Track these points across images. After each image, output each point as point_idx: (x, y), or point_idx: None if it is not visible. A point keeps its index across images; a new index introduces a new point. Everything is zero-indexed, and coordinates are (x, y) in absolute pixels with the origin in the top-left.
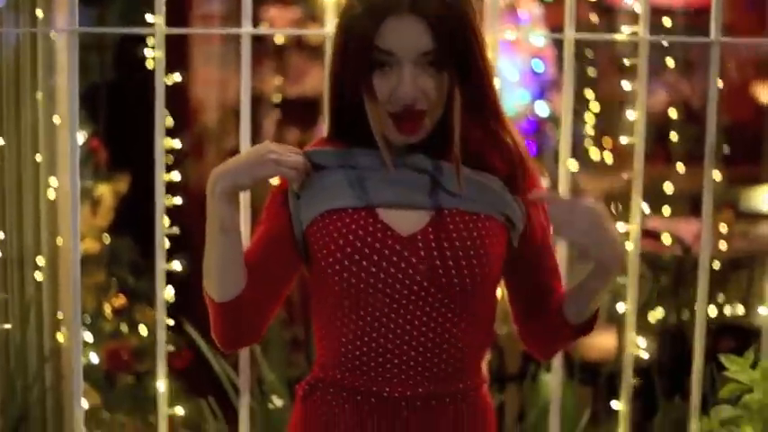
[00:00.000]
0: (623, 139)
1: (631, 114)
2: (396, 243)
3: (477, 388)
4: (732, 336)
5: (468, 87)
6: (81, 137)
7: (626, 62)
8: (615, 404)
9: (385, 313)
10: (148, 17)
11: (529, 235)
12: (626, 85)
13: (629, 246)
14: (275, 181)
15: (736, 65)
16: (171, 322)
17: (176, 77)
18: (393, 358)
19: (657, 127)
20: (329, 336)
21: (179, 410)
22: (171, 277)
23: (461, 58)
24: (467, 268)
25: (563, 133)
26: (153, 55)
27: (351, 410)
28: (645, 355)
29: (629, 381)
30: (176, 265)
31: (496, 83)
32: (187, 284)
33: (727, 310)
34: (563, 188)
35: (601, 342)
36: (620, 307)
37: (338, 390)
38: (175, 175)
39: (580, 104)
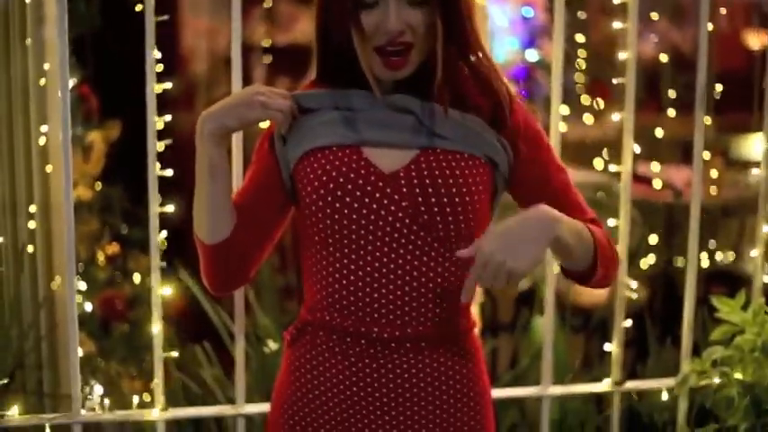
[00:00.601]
0: (614, 81)
1: (622, 55)
2: (378, 180)
3: (467, 331)
4: (723, 282)
5: (450, 22)
6: (70, 83)
7: (616, 1)
8: (608, 346)
9: (370, 251)
10: None
11: (522, 173)
12: (617, 25)
13: (621, 187)
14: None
15: (727, 11)
16: (164, 264)
17: (164, 17)
18: (380, 298)
19: (648, 75)
20: (317, 277)
21: (174, 354)
22: (164, 224)
23: None
24: (449, 206)
25: (554, 79)
26: None
27: (340, 352)
28: (635, 296)
29: (621, 322)
30: (169, 209)
31: (486, 27)
32: (181, 231)
33: (719, 257)
34: (554, 134)
35: (592, 289)
36: None
37: (327, 332)
38: (166, 119)
39: (571, 49)
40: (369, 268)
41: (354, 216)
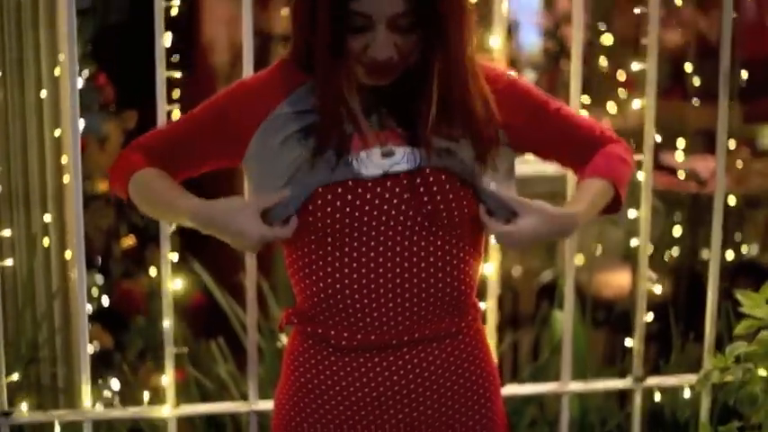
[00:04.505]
0: (635, 66)
1: (644, 41)
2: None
3: (474, 321)
4: (749, 276)
5: (443, 45)
6: (86, 72)
7: None
8: (629, 342)
9: (373, 247)
10: None
11: (527, 133)
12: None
13: (641, 176)
14: None
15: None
16: (175, 257)
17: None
18: (386, 293)
19: (673, 63)
20: (311, 279)
21: (184, 350)
22: None
23: (436, 17)
24: (452, 192)
25: (573, 67)
26: None
27: (337, 360)
28: (657, 290)
29: (642, 317)
30: None
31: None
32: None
33: (744, 250)
34: None
35: (615, 280)
36: (634, 242)
37: (321, 343)
38: (178, 109)
39: (593, 37)
40: (372, 264)
41: (357, 213)
